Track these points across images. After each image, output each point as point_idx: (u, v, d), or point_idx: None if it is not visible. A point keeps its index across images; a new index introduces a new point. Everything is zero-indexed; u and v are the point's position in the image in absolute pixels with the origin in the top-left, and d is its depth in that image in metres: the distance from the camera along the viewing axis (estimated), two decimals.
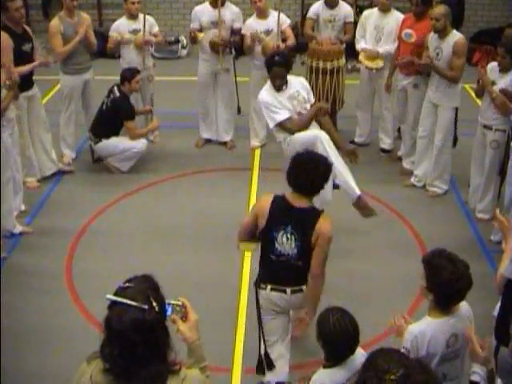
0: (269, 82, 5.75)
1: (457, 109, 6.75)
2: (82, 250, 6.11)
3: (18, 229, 6.24)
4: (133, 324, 2.31)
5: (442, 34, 6.46)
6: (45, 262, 5.90)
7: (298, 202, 4.04)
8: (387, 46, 7.42)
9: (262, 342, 4.29)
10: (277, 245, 4.04)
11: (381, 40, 7.49)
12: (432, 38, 6.59)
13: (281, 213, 4.05)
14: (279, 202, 4.08)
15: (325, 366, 3.43)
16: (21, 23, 6.67)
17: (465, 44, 6.55)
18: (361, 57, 7.64)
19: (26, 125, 6.91)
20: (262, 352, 4.30)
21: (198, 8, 7.79)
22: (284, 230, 4.01)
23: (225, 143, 8.24)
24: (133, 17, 7.75)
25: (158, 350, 2.37)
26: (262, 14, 7.62)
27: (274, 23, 7.57)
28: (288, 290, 4.11)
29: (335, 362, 3.38)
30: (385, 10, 7.45)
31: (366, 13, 7.71)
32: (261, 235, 4.15)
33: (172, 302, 2.57)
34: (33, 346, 4.88)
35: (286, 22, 7.71)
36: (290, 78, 5.73)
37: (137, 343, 2.30)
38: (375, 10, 7.60)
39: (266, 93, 5.73)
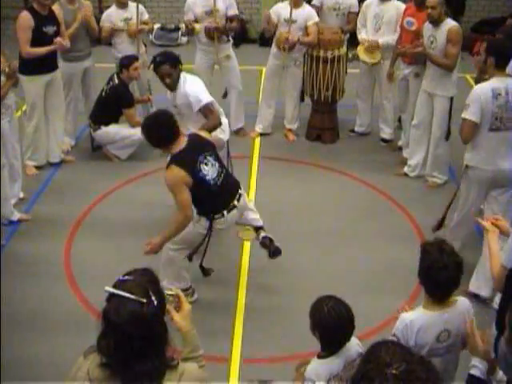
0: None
1: (452, 99, 6.69)
2: (80, 237, 6.10)
3: (16, 216, 6.22)
4: (130, 317, 2.29)
5: (436, 22, 6.43)
6: (43, 249, 5.89)
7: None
8: (387, 37, 7.37)
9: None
10: (207, 177, 4.64)
11: (380, 29, 7.44)
12: (426, 26, 6.56)
13: (192, 155, 4.65)
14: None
15: (319, 356, 3.39)
16: (46, 5, 6.67)
17: (459, 31, 6.47)
18: (359, 50, 7.61)
19: (41, 109, 6.92)
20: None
21: None
22: (201, 162, 4.63)
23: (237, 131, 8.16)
24: (123, 5, 7.70)
25: (156, 345, 2.36)
26: (296, 4, 7.53)
27: (300, 15, 7.49)
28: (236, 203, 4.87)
29: (331, 352, 3.35)
30: None
31: (366, 1, 7.65)
32: (193, 190, 4.58)
33: (166, 292, 2.57)
34: (31, 333, 4.87)
35: (313, 18, 7.58)
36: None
37: (134, 337, 2.29)
38: None
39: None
